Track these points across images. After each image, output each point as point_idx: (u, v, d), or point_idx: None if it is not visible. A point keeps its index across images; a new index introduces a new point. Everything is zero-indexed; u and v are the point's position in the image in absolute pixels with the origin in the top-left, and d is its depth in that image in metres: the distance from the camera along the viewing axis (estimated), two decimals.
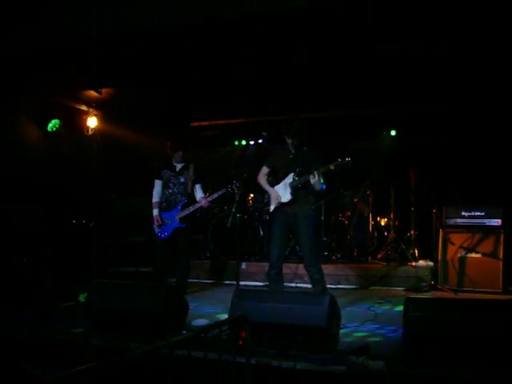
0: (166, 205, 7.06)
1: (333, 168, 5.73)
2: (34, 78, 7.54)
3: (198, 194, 7.15)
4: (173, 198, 7.05)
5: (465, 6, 5.36)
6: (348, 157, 5.69)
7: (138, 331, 4.66)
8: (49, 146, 8.80)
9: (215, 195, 7.06)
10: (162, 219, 7.00)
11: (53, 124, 8.71)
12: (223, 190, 6.98)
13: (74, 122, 9.14)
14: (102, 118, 9.41)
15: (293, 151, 6.10)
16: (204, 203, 7.01)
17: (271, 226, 6.31)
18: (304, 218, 6.04)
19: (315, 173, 5.73)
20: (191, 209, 7.00)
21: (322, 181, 5.85)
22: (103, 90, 8.47)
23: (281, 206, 6.08)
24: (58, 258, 7.90)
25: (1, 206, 7.52)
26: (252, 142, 11.10)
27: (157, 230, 7.01)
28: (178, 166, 7.15)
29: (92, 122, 9.22)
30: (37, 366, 4.11)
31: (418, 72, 7.48)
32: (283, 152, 6.21)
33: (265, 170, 6.34)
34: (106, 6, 5.76)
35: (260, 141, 10.36)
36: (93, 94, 8.54)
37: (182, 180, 7.08)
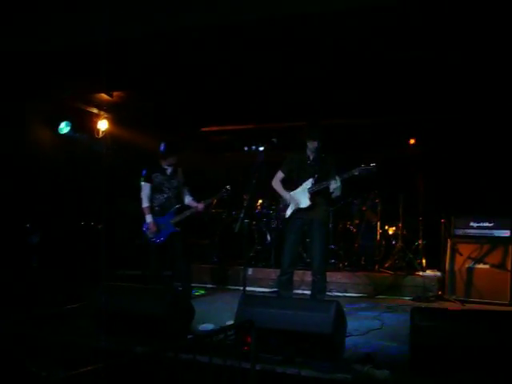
0: (160, 209, 6.89)
1: (357, 173, 5.72)
2: (46, 80, 7.58)
3: (187, 197, 7.13)
4: (168, 203, 6.91)
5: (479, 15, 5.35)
6: (372, 163, 5.69)
7: (144, 334, 4.68)
8: (60, 148, 8.84)
9: (209, 200, 7.07)
10: (156, 225, 6.84)
11: (63, 126, 8.75)
12: (216, 196, 7.10)
13: (85, 124, 9.18)
14: (113, 121, 9.45)
15: (311, 157, 6.11)
16: (200, 207, 6.97)
17: (285, 231, 6.29)
18: (320, 224, 6.07)
19: (337, 178, 5.73)
20: (187, 213, 6.93)
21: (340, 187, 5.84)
22: (114, 94, 8.51)
23: (298, 211, 6.08)
24: (66, 260, 7.94)
25: (12, 207, 7.57)
26: (261, 148, 11.18)
27: (151, 235, 6.84)
28: (169, 170, 6.98)
29: (103, 124, 9.26)
30: (42, 366, 4.12)
31: (428, 80, 7.46)
32: (300, 158, 6.21)
33: (280, 175, 6.31)
34: (117, 10, 5.79)
35: (269, 147, 10.44)
36: (104, 97, 8.58)
37: (175, 184, 6.99)
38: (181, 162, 7.13)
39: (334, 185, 5.77)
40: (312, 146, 6.03)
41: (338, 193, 5.88)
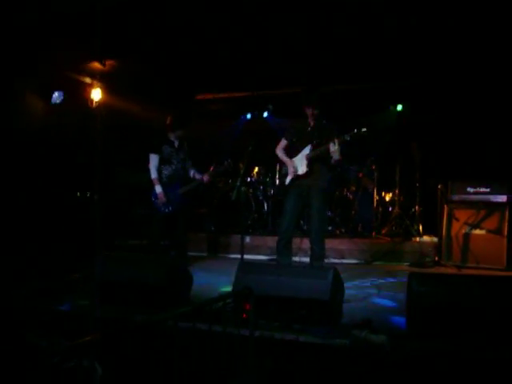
0: (168, 180, 7.03)
1: (348, 139, 5.67)
2: (38, 50, 7.49)
3: (191, 170, 7.23)
4: (177, 174, 7.08)
5: None
6: (364, 127, 5.63)
7: (142, 303, 4.70)
8: (53, 118, 8.76)
9: (213, 172, 7.10)
10: (166, 195, 6.97)
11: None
12: (221, 167, 7.10)
13: (78, 94, 9.09)
14: (106, 91, 9.35)
15: (311, 124, 6.07)
16: (206, 179, 7.05)
17: (285, 198, 6.30)
18: (318, 191, 6.03)
19: (335, 141, 5.67)
20: (193, 185, 7.08)
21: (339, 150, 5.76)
22: (107, 62, 8.41)
23: (297, 178, 6.08)
24: (63, 231, 7.94)
25: (6, 179, 7.53)
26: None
27: (160, 205, 6.99)
28: (176, 142, 7.14)
29: (96, 94, 9.16)
30: (42, 337, 4.14)
31: (423, 45, 7.39)
32: (302, 125, 6.18)
33: (283, 142, 6.31)
34: None
35: (265, 114, 10.39)
36: (97, 66, 8.48)
37: (182, 156, 7.13)
38: (187, 134, 7.21)
39: (333, 147, 5.69)
40: (309, 111, 6.00)
41: (336, 156, 5.80)
